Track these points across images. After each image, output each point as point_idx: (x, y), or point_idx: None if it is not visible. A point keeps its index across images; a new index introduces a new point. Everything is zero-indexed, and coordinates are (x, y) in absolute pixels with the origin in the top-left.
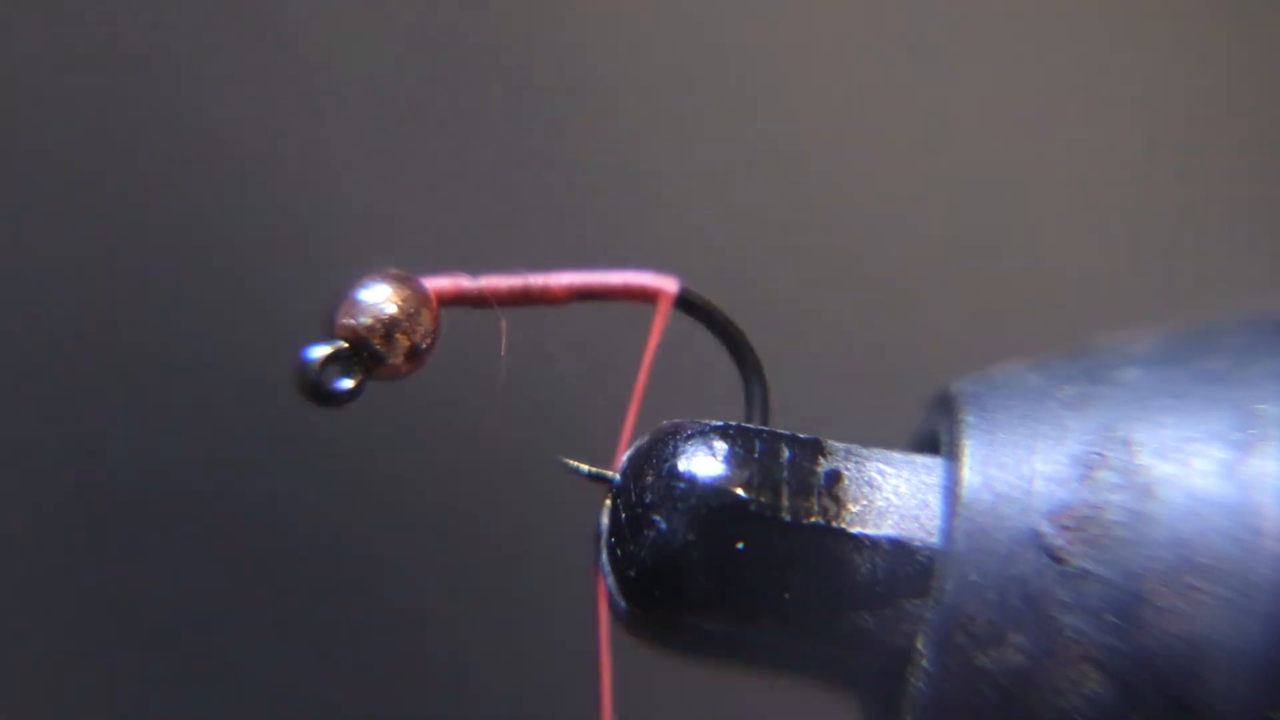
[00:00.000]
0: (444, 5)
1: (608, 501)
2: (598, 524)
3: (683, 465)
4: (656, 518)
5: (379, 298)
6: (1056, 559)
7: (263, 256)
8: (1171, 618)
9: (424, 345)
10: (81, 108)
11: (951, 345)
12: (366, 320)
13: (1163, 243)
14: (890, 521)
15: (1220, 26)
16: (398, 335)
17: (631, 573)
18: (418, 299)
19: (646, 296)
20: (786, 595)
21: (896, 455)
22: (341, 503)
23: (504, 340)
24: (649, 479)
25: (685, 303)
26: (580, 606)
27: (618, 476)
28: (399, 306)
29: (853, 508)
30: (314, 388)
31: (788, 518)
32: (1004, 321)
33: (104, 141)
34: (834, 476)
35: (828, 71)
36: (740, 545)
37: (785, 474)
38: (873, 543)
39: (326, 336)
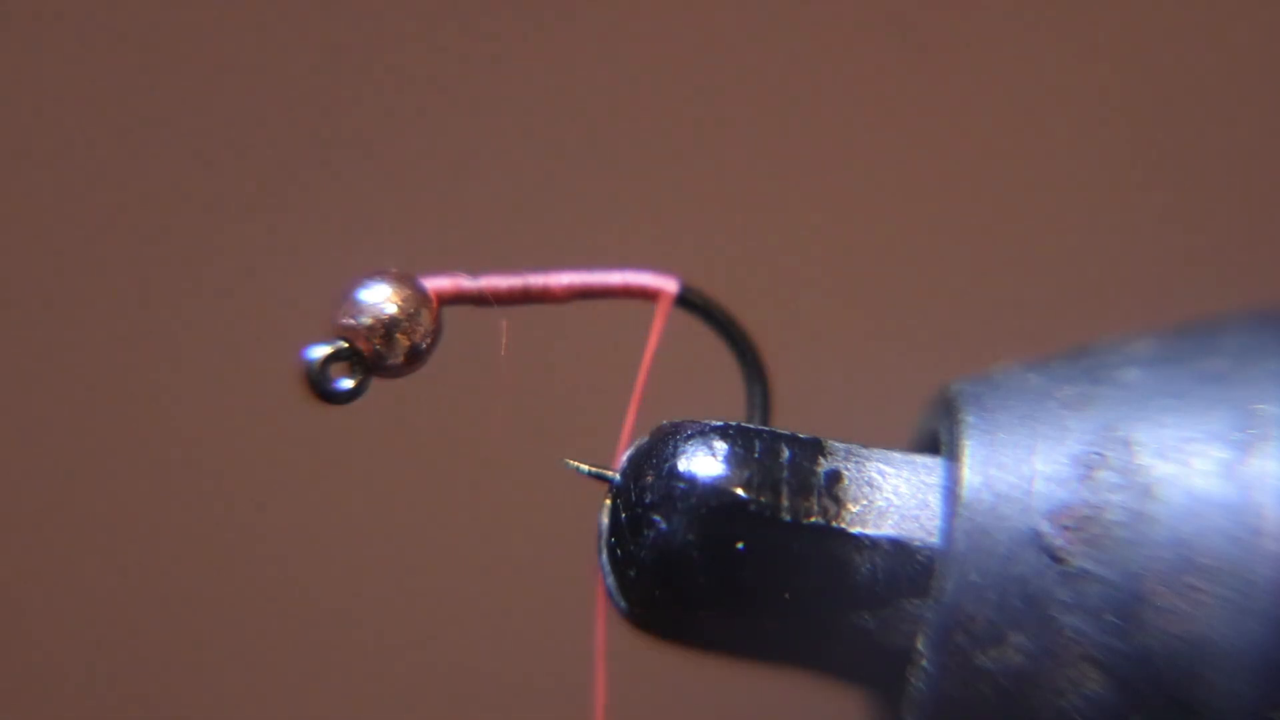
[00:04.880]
0: (443, 2)
1: (608, 501)
2: (598, 524)
3: (683, 465)
4: (656, 518)
5: (379, 298)
6: (1056, 559)
7: (263, 255)
8: (1171, 618)
9: (424, 345)
10: (76, 102)
11: (951, 345)
12: (366, 320)
13: (1162, 243)
14: (890, 521)
15: (1221, 25)
16: (398, 335)
17: (631, 572)
18: (418, 299)
19: (646, 296)
20: (786, 595)
21: (896, 455)
22: (340, 502)
23: (504, 340)
24: (649, 479)
25: (686, 302)
26: (580, 606)
27: (618, 476)
28: (399, 306)
29: (853, 508)
30: (315, 387)
31: (788, 518)
32: (1004, 321)
33: (101, 139)
34: (834, 476)
35: (827, 70)
36: (740, 545)
37: (785, 474)
38: (873, 543)
39: (327, 336)
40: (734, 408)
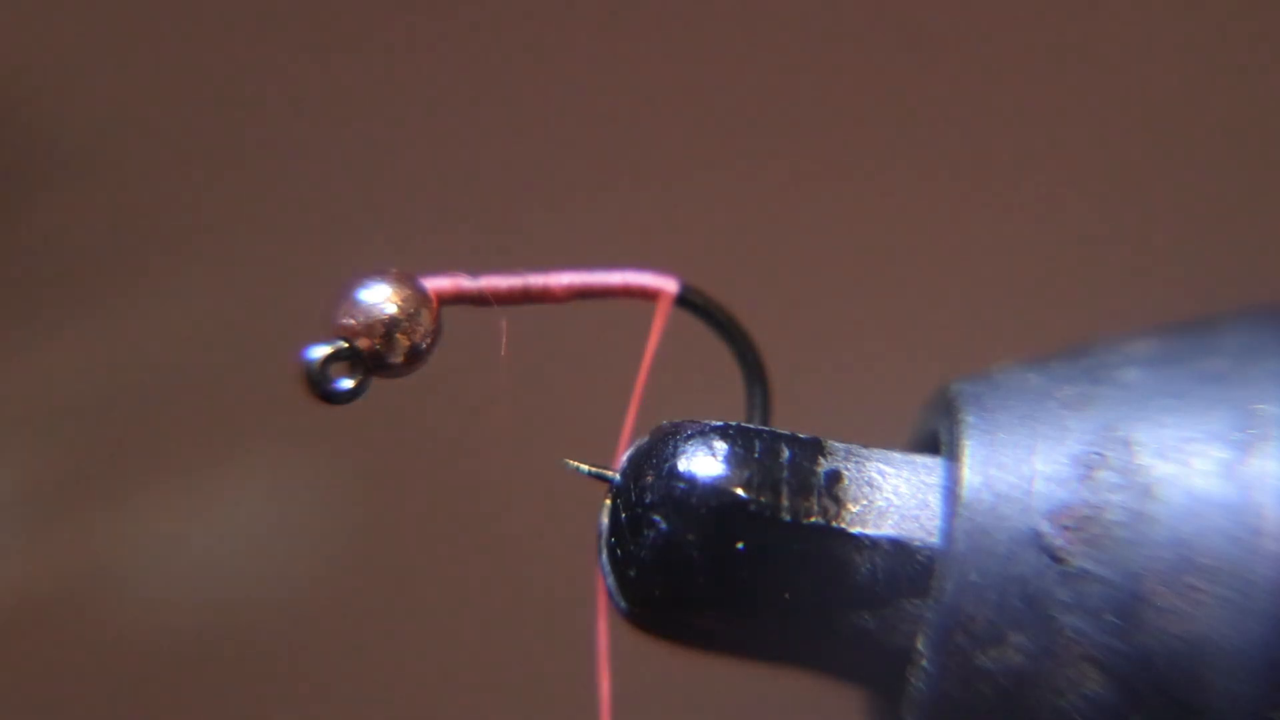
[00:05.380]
0: (446, 3)
1: (608, 501)
2: (598, 524)
3: (683, 465)
4: (656, 518)
5: (379, 298)
6: (1056, 559)
7: (264, 255)
8: (1171, 618)
9: (424, 345)
10: (74, 100)
11: (951, 345)
12: (367, 320)
13: (1162, 243)
14: (890, 521)
15: (1221, 25)
16: (398, 335)
17: (631, 572)
18: (418, 299)
19: (647, 296)
20: (787, 595)
21: (896, 455)
22: (340, 502)
23: (504, 340)
24: (649, 479)
25: (686, 302)
26: (581, 606)
27: (618, 476)
28: (399, 306)
29: (853, 508)
30: (315, 387)
31: (788, 518)
32: (1004, 321)
33: (101, 136)
34: (834, 476)
35: (828, 70)
36: (740, 545)
37: (785, 474)
38: (873, 543)
39: (328, 336)
40: (734, 408)
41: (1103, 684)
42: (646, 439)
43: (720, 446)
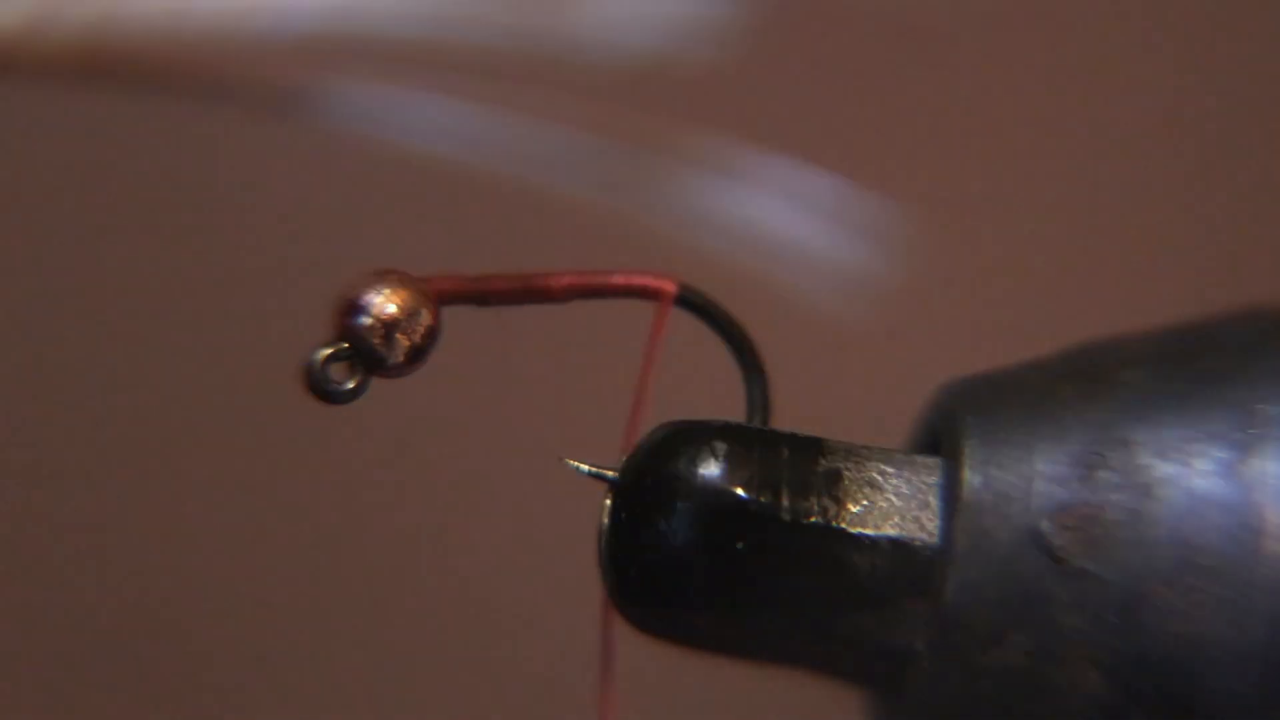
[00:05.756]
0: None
1: (608, 501)
2: (598, 524)
3: (683, 465)
4: (656, 518)
5: (379, 298)
6: (1056, 559)
7: (263, 257)
8: (1171, 618)
9: (424, 345)
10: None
11: (951, 345)
12: (366, 320)
13: (1163, 242)
14: (890, 521)
15: (1220, 30)
16: (398, 335)
17: (632, 572)
18: (418, 299)
19: (647, 295)
20: (786, 595)
21: (897, 455)
22: (340, 502)
23: (504, 341)
24: (649, 479)
25: (686, 301)
26: (581, 606)
27: (618, 476)
28: (399, 306)
29: (853, 508)
30: (315, 387)
31: (788, 518)
32: (1004, 321)
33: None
34: (834, 476)
35: (826, 64)
36: (740, 545)
37: (785, 474)
38: (873, 543)
39: (328, 336)
40: (734, 408)
41: (1103, 684)
42: (646, 439)
43: (720, 446)
